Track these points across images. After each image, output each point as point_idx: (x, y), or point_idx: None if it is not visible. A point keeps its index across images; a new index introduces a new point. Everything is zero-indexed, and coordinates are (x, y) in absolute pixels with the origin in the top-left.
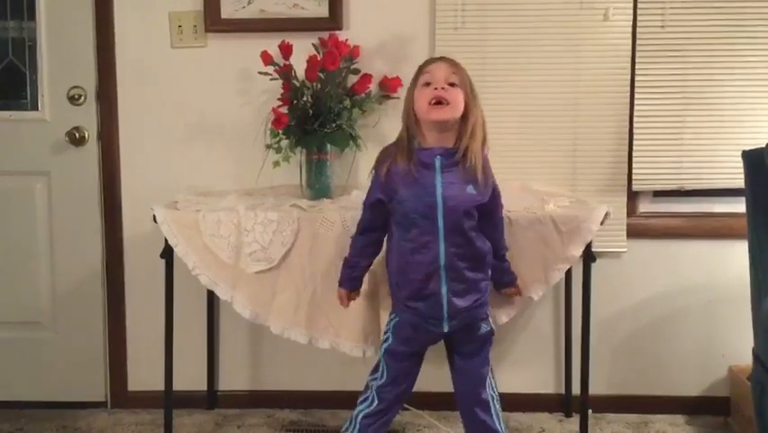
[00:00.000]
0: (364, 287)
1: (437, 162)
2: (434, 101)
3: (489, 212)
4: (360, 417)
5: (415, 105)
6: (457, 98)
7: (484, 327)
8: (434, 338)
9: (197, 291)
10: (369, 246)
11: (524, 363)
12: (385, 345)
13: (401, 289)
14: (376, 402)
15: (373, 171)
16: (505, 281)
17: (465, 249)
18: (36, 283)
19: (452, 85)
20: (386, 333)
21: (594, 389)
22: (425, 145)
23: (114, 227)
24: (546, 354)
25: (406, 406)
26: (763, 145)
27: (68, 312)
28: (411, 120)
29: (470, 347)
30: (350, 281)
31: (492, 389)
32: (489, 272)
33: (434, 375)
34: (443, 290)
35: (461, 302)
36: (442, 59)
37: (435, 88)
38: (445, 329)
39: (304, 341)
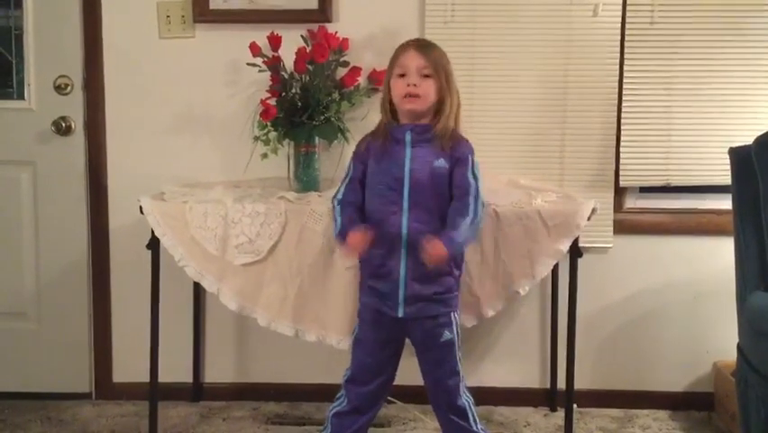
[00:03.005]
0: (351, 279)
1: (408, 137)
2: (406, 94)
3: (451, 180)
4: (331, 414)
5: (392, 94)
6: (428, 91)
7: (447, 335)
8: (396, 329)
9: (184, 283)
10: (354, 212)
11: (509, 358)
12: (354, 333)
13: (364, 266)
14: (345, 401)
15: (352, 154)
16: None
17: (429, 227)
18: (21, 274)
19: (425, 76)
20: (356, 322)
21: (579, 383)
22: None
23: (99, 218)
24: (532, 349)
25: (391, 399)
26: (750, 142)
27: (53, 303)
28: (387, 106)
29: (433, 356)
30: (351, 224)
31: (467, 395)
32: (459, 273)
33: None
34: (402, 268)
35: (420, 288)
36: (416, 45)
37: (408, 84)
38: (400, 314)
39: (290, 333)
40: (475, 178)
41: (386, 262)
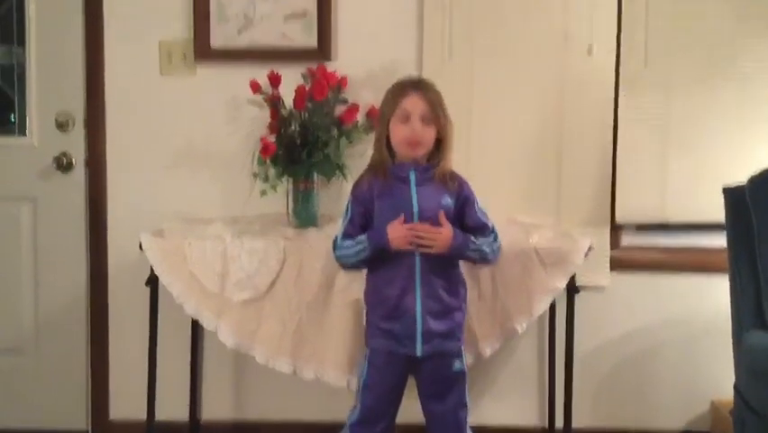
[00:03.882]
0: (349, 316)
1: (412, 176)
2: (410, 142)
3: (463, 217)
4: None
5: (391, 135)
6: (431, 137)
7: (457, 365)
8: (406, 373)
9: (182, 319)
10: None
11: (507, 396)
12: (362, 379)
13: (375, 310)
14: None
15: (351, 196)
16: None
17: (441, 265)
18: (19, 310)
19: (426, 120)
20: (361, 367)
21: (577, 421)
22: (398, 161)
23: (99, 254)
24: (530, 387)
25: None
26: (744, 181)
27: (50, 339)
28: (384, 143)
29: (443, 388)
30: (373, 232)
31: (470, 432)
32: (465, 307)
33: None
34: (418, 306)
35: (435, 324)
36: (416, 87)
37: (413, 131)
38: (418, 352)
39: (288, 370)
40: (487, 217)
41: (401, 302)
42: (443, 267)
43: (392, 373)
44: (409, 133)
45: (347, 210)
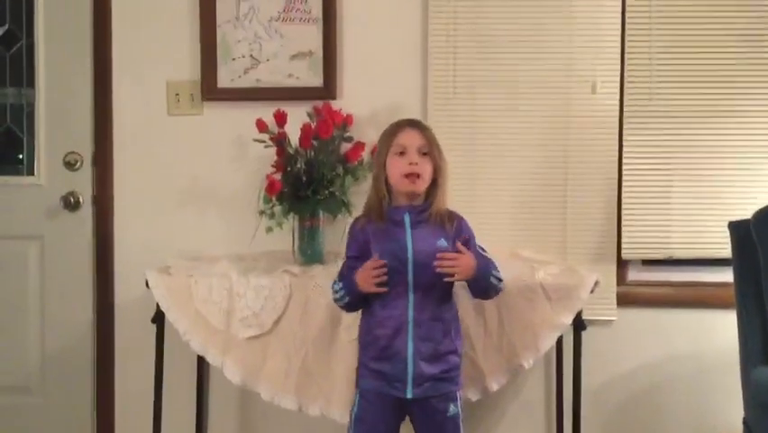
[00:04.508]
0: (354, 352)
1: (406, 219)
2: (407, 173)
3: None
4: None
5: (389, 174)
6: (427, 169)
7: (452, 409)
8: (399, 412)
9: (188, 357)
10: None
11: (516, 431)
12: (354, 412)
13: (366, 350)
14: None
15: (347, 237)
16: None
17: (434, 307)
18: (26, 348)
19: (423, 154)
20: (354, 401)
21: None
22: (397, 201)
23: (105, 292)
24: (537, 423)
25: None
26: (750, 216)
27: (57, 377)
28: (382, 184)
29: (440, 429)
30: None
31: None
32: (461, 350)
33: None
34: (410, 349)
35: (427, 368)
36: (412, 124)
37: (410, 163)
38: (409, 395)
39: (294, 408)
40: (484, 251)
41: (392, 343)
42: (438, 309)
43: (383, 412)
44: (407, 165)
45: (345, 254)
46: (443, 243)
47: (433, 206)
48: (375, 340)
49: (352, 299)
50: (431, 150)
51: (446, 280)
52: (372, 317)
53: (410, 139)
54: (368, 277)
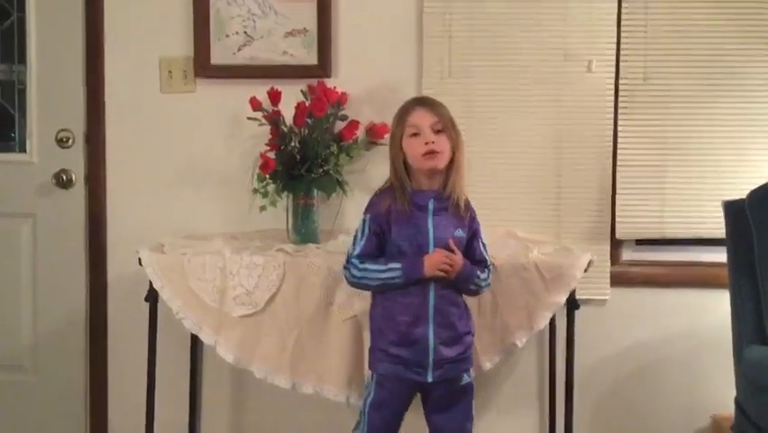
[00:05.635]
0: (348, 331)
1: (430, 205)
2: (425, 153)
3: (468, 249)
4: None
5: (407, 155)
6: (445, 146)
7: (466, 378)
8: (416, 391)
9: (181, 335)
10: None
11: (508, 411)
12: (369, 399)
13: (384, 334)
14: None
15: (367, 215)
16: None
17: (452, 293)
18: (18, 326)
19: (438, 132)
20: (368, 387)
21: None
22: (416, 188)
23: (98, 270)
24: (530, 402)
25: None
26: (744, 196)
27: (50, 355)
28: (401, 166)
29: (451, 400)
30: (409, 259)
31: None
32: (473, 328)
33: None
34: (431, 335)
35: (447, 351)
36: (423, 103)
37: (426, 143)
38: (429, 379)
39: (287, 386)
40: (486, 249)
41: (412, 330)
42: (455, 294)
43: (400, 396)
44: (423, 145)
45: (363, 229)
46: (459, 233)
47: (454, 192)
48: (395, 326)
49: (408, 281)
50: (445, 126)
51: (436, 276)
52: (392, 303)
53: (421, 118)
54: (438, 262)
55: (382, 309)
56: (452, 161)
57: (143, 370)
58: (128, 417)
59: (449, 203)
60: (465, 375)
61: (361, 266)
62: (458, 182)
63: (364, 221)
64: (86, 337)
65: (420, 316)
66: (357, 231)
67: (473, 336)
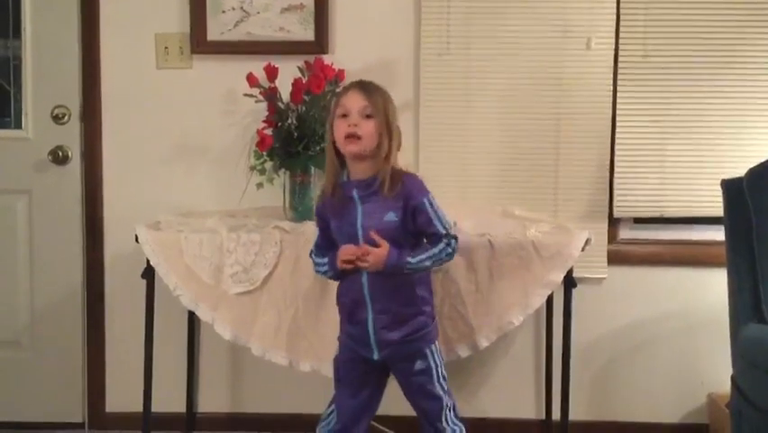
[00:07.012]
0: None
1: (355, 194)
2: (347, 135)
3: (420, 232)
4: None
5: (335, 137)
6: (369, 131)
7: (419, 364)
8: (372, 364)
9: (178, 312)
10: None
11: (504, 388)
12: (336, 372)
13: (340, 311)
14: (335, 418)
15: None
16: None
17: (390, 281)
18: (15, 302)
19: (367, 117)
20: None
21: (574, 414)
22: (351, 173)
23: (95, 247)
24: (527, 380)
25: (374, 424)
26: (742, 174)
27: (47, 332)
28: (332, 153)
29: (409, 382)
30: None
31: (453, 422)
32: (429, 309)
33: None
34: (369, 319)
35: (390, 335)
36: (358, 86)
37: (349, 125)
38: (375, 357)
39: (284, 363)
40: (439, 219)
41: (354, 311)
42: (395, 281)
43: (357, 365)
44: (346, 127)
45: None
46: (391, 217)
47: (378, 175)
48: (342, 307)
49: (336, 274)
50: (375, 111)
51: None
52: (340, 285)
53: (352, 101)
54: (345, 258)
55: (338, 289)
56: (380, 150)
57: (141, 346)
58: (126, 393)
59: (375, 187)
60: (419, 361)
61: (313, 258)
62: (382, 170)
63: (315, 213)
64: (83, 314)
65: (358, 300)
66: None
67: (427, 316)
